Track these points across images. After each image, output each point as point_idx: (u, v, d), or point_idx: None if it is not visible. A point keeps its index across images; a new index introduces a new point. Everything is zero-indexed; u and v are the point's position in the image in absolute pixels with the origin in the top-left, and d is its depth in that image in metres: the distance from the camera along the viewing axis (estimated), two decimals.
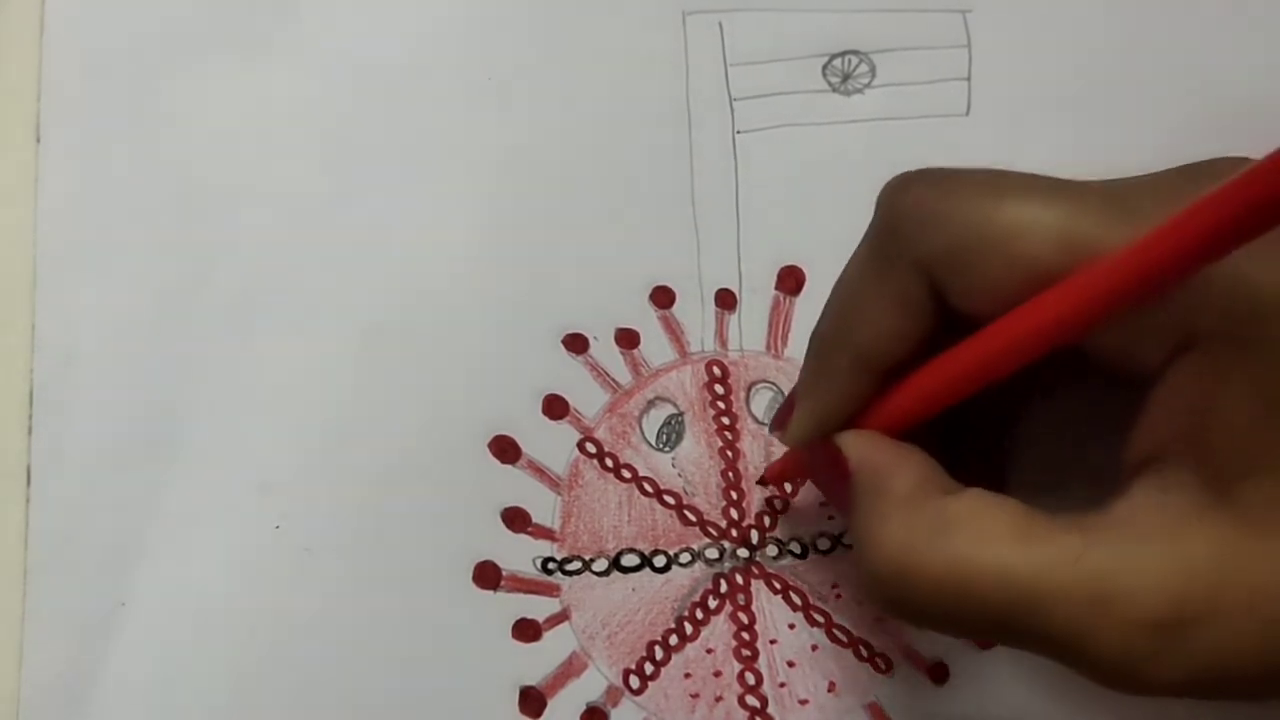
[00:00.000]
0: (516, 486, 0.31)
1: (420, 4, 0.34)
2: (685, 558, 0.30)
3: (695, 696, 0.30)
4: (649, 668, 0.30)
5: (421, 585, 0.30)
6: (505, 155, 0.33)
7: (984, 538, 0.23)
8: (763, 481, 0.31)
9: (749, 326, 0.32)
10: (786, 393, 0.31)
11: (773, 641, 0.30)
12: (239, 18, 0.34)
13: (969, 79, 0.34)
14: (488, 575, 0.30)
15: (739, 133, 0.33)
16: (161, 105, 0.33)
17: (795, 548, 0.31)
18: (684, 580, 0.30)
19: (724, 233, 0.33)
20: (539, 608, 0.30)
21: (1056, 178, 0.24)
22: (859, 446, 0.25)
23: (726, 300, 0.32)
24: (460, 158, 0.33)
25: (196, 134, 0.33)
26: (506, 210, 0.33)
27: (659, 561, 0.30)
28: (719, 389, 0.32)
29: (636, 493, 0.31)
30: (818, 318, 0.26)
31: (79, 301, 0.31)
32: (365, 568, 0.30)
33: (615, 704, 0.29)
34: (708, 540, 0.31)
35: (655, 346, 0.32)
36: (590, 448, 0.31)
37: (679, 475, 0.31)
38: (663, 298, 0.32)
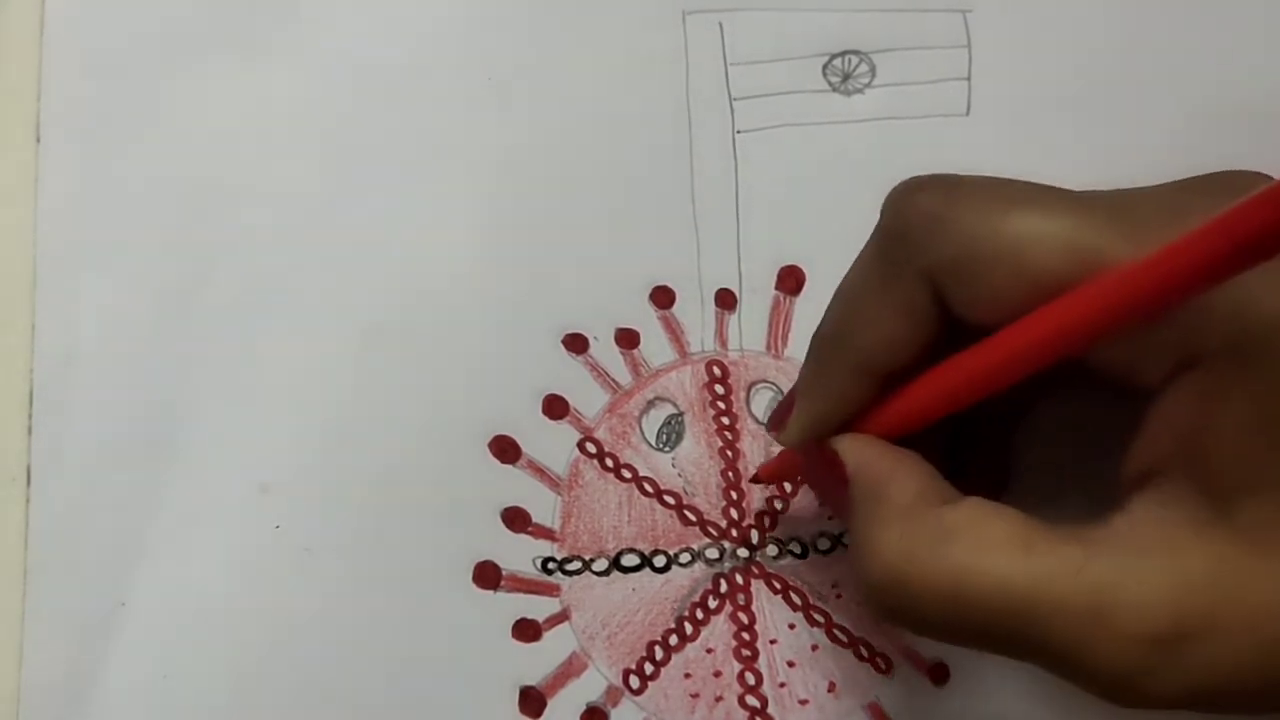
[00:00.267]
0: (516, 486, 0.31)
1: (420, 4, 0.34)
2: (685, 558, 0.30)
3: (695, 696, 0.30)
4: (649, 668, 0.30)
5: (421, 585, 0.30)
6: (505, 155, 0.33)
7: (983, 548, 0.22)
8: (756, 479, 0.30)
9: (749, 326, 0.32)
10: (786, 392, 0.31)
11: (773, 641, 0.30)
12: (239, 18, 0.34)
13: (969, 79, 0.34)
14: (488, 575, 0.30)
15: (739, 132, 0.33)
16: (161, 105, 0.33)
17: (795, 548, 0.31)
18: (684, 580, 0.30)
19: (724, 233, 0.33)
20: (539, 608, 0.30)
21: (1062, 188, 0.24)
22: (857, 452, 0.25)
23: (726, 300, 0.32)
24: (460, 158, 0.33)
25: (196, 134, 0.33)
26: (506, 210, 0.33)
27: (659, 561, 0.30)
28: (719, 389, 0.32)
29: (636, 493, 0.31)
30: (820, 319, 0.26)
31: (79, 301, 0.31)
32: (365, 568, 0.30)
33: (615, 704, 0.29)
34: (708, 540, 0.31)
35: (655, 346, 0.32)
36: (590, 448, 0.31)
37: (679, 475, 0.31)
38: (663, 298, 0.32)
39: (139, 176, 0.32)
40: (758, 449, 0.31)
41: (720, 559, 0.30)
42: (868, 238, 0.25)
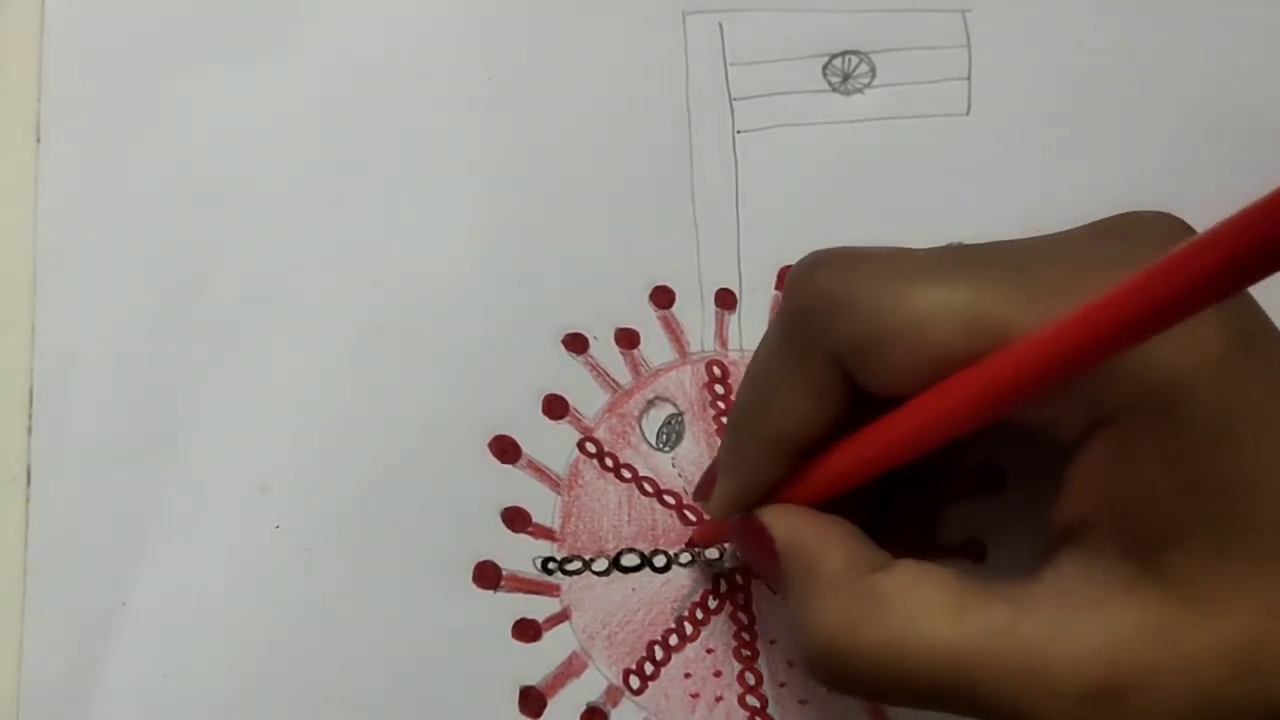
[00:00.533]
0: (516, 486, 0.31)
1: (420, 4, 0.34)
2: (685, 558, 0.30)
3: (695, 696, 0.30)
4: (649, 668, 0.30)
5: (421, 585, 0.30)
6: (505, 155, 0.33)
7: (916, 614, 0.23)
8: (690, 543, 0.30)
9: (749, 326, 0.32)
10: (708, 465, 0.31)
11: (773, 641, 0.30)
12: (239, 18, 0.34)
13: (969, 79, 0.34)
14: (488, 575, 0.30)
15: (739, 132, 0.33)
16: (161, 105, 0.33)
17: None
18: (684, 580, 0.30)
19: (724, 233, 0.33)
20: (539, 608, 0.30)
21: (963, 247, 0.23)
22: (784, 523, 0.25)
23: (726, 300, 0.32)
24: (460, 158, 0.33)
25: (196, 134, 0.33)
26: (506, 210, 0.33)
27: (659, 561, 0.30)
28: (719, 389, 0.32)
29: (636, 493, 0.31)
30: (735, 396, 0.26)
31: (79, 301, 0.31)
32: (365, 568, 0.30)
33: (615, 704, 0.29)
34: None
35: (655, 346, 0.32)
36: (590, 448, 0.31)
37: (679, 475, 0.31)
38: (663, 298, 0.32)
39: (139, 176, 0.32)
40: None
41: (720, 559, 0.30)
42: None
